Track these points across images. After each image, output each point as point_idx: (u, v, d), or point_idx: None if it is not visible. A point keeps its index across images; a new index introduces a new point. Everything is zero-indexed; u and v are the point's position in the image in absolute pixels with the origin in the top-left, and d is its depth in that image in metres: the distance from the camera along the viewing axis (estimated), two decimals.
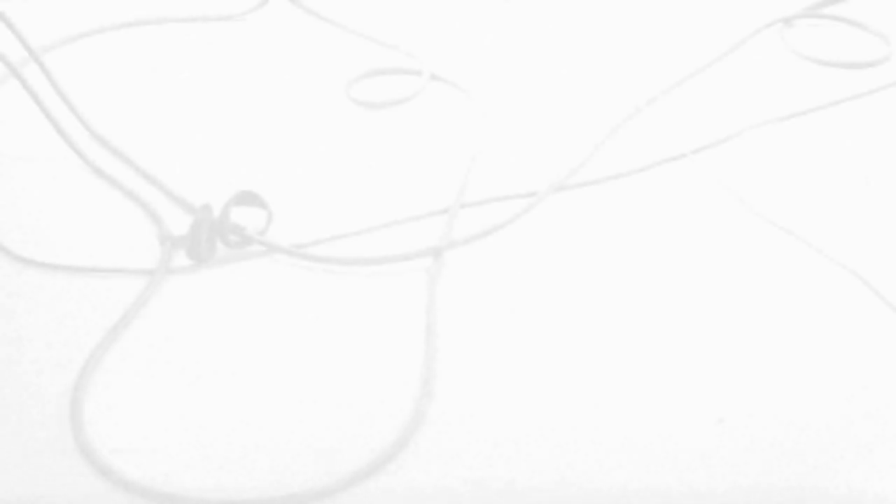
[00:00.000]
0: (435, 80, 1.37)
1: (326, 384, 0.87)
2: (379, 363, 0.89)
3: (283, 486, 0.77)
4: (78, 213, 1.09)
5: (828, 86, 1.35)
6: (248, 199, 1.06)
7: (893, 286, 0.97)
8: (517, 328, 0.93)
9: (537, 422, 0.83)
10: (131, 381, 0.88)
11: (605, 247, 1.04)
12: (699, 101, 1.32)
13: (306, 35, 1.50)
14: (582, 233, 1.07)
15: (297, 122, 1.28)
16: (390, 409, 0.84)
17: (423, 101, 1.33)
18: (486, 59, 1.43)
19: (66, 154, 1.17)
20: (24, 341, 0.91)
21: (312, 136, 1.25)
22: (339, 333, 0.93)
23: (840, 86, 1.34)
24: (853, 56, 1.41)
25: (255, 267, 1.01)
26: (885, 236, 1.05)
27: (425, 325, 0.93)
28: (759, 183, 1.13)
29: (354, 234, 1.06)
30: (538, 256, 1.03)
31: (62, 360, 0.88)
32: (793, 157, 1.20)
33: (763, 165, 1.18)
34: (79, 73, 1.36)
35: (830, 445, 0.80)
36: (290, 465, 0.79)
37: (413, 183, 1.15)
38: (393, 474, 0.79)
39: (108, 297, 0.96)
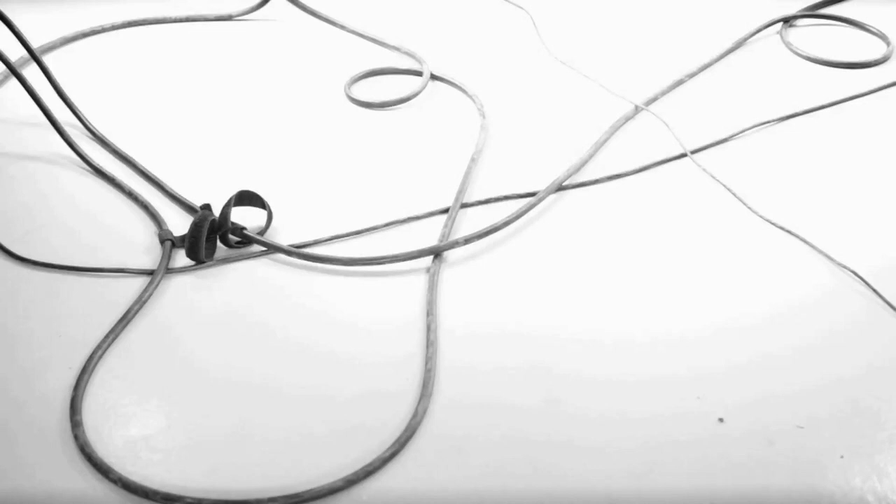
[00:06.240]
0: (435, 80, 1.37)
1: (326, 384, 0.87)
2: (379, 363, 0.89)
3: (282, 486, 0.77)
4: (78, 213, 1.09)
5: (828, 86, 1.35)
6: (248, 199, 1.06)
7: (893, 286, 0.97)
8: (517, 328, 0.93)
9: (537, 422, 0.83)
10: (131, 381, 0.88)
11: (606, 247, 1.04)
12: (699, 100, 1.33)
13: (306, 35, 1.51)
14: (582, 233, 1.07)
15: (297, 121, 1.28)
16: (390, 408, 0.84)
17: (423, 101, 1.33)
18: (486, 59, 1.44)
19: (66, 154, 1.17)
20: (24, 341, 0.91)
21: (312, 136, 1.25)
22: (339, 333, 0.93)
23: (840, 86, 1.35)
24: (853, 56, 1.42)
25: (255, 267, 1.01)
26: (885, 236, 1.06)
27: (425, 325, 0.93)
28: (759, 183, 1.13)
29: (354, 234, 1.06)
30: (538, 256, 1.03)
31: (62, 360, 0.88)
32: (793, 157, 1.20)
33: (763, 165, 1.18)
34: (79, 73, 1.37)
35: (829, 445, 0.80)
36: (289, 465, 0.79)
37: (413, 183, 1.15)
38: (393, 474, 0.79)
39: (109, 297, 0.96)
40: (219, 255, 1.02)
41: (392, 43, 1.45)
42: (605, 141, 1.22)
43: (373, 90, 1.35)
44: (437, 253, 1.02)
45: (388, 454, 0.80)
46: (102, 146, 1.21)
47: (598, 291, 0.98)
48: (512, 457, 0.80)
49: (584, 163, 1.17)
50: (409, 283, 0.99)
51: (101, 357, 0.89)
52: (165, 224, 1.06)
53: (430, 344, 0.90)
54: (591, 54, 1.44)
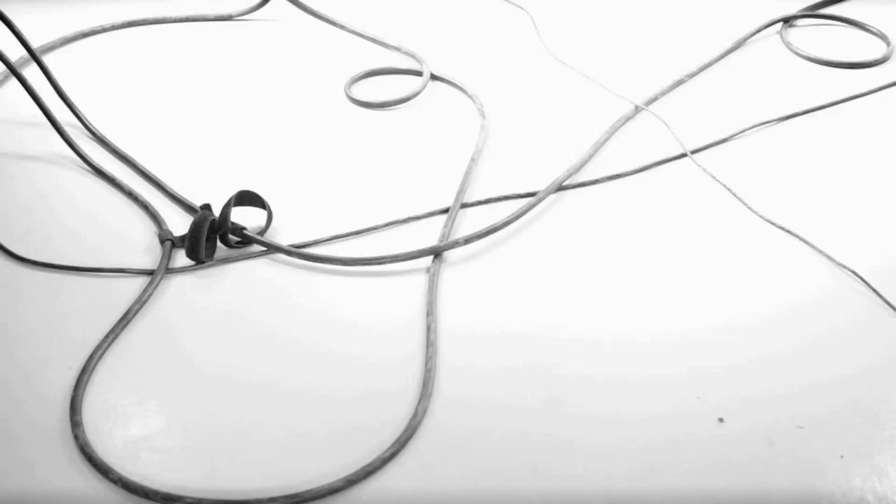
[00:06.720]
0: (435, 80, 1.37)
1: (326, 384, 0.87)
2: (379, 363, 0.89)
3: (282, 486, 0.77)
4: (78, 213, 1.09)
5: (828, 86, 1.35)
6: (248, 199, 1.06)
7: (893, 286, 0.97)
8: (517, 328, 0.93)
9: (537, 422, 0.83)
10: (131, 381, 0.88)
11: (606, 247, 1.04)
12: (699, 100, 1.33)
13: (306, 35, 1.51)
14: (582, 233, 1.07)
15: (297, 121, 1.28)
16: (390, 408, 0.84)
17: (423, 101, 1.33)
18: (486, 59, 1.44)
19: (66, 154, 1.17)
20: (24, 341, 0.91)
21: (312, 136, 1.25)
22: (339, 333, 0.93)
23: (840, 86, 1.35)
24: (853, 56, 1.42)
25: (255, 267, 1.01)
26: (885, 236, 1.06)
27: (425, 325, 0.93)
28: (759, 183, 1.13)
29: (354, 234, 1.06)
30: (538, 256, 1.03)
31: (62, 360, 0.88)
32: (793, 157, 1.20)
33: (763, 165, 1.18)
34: (79, 73, 1.37)
35: (829, 445, 0.80)
36: (289, 465, 0.79)
37: (413, 183, 1.15)
38: (393, 474, 0.79)
39: (109, 297, 0.96)
40: (219, 255, 1.02)
41: (392, 43, 1.45)
42: (605, 141, 1.22)
43: (373, 90, 1.35)
44: (437, 253, 1.02)
45: (388, 454, 0.80)
46: (102, 146, 1.21)
47: (598, 291, 0.98)
48: (512, 457, 0.80)
49: (584, 163, 1.17)
50: (409, 283, 0.99)
51: (101, 357, 0.89)
52: (165, 224, 1.06)
53: (430, 344, 0.90)
54: (591, 54, 1.44)
